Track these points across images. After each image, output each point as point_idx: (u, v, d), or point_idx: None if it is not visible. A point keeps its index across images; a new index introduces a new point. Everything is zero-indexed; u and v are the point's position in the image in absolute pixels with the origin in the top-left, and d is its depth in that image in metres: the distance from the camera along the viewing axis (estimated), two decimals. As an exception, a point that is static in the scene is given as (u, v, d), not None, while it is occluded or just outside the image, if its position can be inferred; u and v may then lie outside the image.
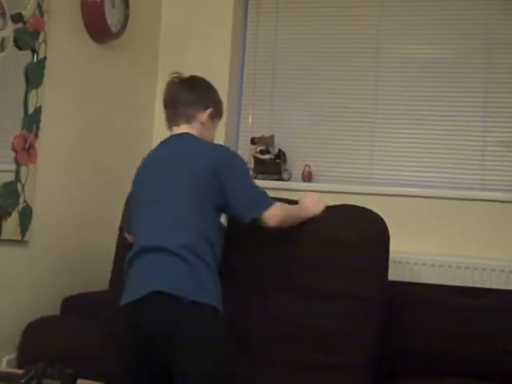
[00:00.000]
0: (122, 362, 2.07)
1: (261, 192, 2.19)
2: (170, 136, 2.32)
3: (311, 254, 2.30)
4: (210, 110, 2.30)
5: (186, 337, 1.90)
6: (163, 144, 2.32)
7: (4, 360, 2.44)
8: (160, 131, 3.49)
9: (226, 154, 2.21)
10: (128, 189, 2.52)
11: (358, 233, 2.30)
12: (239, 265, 2.34)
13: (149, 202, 2.14)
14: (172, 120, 2.32)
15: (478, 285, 2.89)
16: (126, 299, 2.02)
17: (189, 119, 2.28)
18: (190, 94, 2.31)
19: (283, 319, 2.28)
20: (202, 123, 2.29)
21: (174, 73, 2.40)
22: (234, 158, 2.24)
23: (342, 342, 2.22)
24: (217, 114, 2.36)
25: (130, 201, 2.36)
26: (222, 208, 2.14)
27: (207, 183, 2.10)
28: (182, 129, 2.29)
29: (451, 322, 2.31)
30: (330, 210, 2.36)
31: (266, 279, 2.34)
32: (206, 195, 2.10)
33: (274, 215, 2.13)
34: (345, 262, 2.28)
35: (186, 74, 3.43)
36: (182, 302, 1.91)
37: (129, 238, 2.34)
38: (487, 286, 2.87)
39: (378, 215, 2.37)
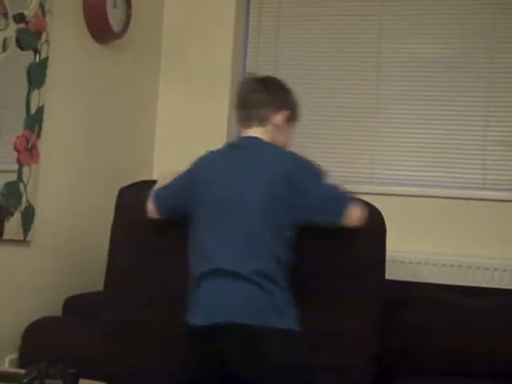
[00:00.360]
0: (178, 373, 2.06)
1: (341, 192, 2.10)
2: (241, 138, 2.21)
3: (304, 252, 2.22)
4: (285, 112, 2.19)
5: (273, 360, 1.89)
6: (233, 147, 2.20)
7: (6, 360, 2.45)
8: (162, 131, 3.52)
9: (299, 160, 2.11)
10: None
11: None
12: None
13: (218, 209, 2.04)
14: (243, 122, 2.20)
15: (479, 284, 2.90)
16: (197, 321, 1.96)
17: (262, 121, 2.15)
18: (263, 94, 2.18)
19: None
20: (275, 126, 2.17)
21: (249, 73, 2.33)
22: (307, 162, 2.13)
23: (340, 343, 2.21)
24: (293, 117, 2.24)
25: (182, 181, 2.24)
26: (299, 220, 2.03)
27: (282, 194, 2.00)
28: (254, 131, 2.16)
29: (452, 321, 2.31)
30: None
31: None
32: (280, 209, 2.00)
33: (355, 215, 2.06)
34: (340, 259, 2.24)
35: (187, 73, 3.48)
36: (266, 331, 1.89)
37: (153, 210, 2.28)
38: (489, 285, 2.88)
39: (375, 207, 2.30)
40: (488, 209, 3.06)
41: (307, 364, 1.95)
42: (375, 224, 2.24)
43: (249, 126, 2.17)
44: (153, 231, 2.36)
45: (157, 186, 2.34)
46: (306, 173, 2.08)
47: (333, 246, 2.23)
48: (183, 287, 2.25)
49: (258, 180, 2.02)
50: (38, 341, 2.41)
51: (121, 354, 2.30)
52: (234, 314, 1.90)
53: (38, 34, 2.48)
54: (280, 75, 3.46)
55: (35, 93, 2.49)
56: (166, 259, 2.33)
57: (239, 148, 2.15)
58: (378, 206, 2.39)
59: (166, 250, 2.34)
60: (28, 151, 2.47)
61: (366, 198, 2.82)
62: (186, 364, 2.03)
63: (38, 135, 2.53)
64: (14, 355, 2.46)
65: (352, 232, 2.14)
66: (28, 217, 2.49)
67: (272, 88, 2.22)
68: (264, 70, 3.52)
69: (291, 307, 1.98)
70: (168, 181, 2.31)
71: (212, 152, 2.22)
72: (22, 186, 2.45)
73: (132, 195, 2.47)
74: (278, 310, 1.93)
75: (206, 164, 2.19)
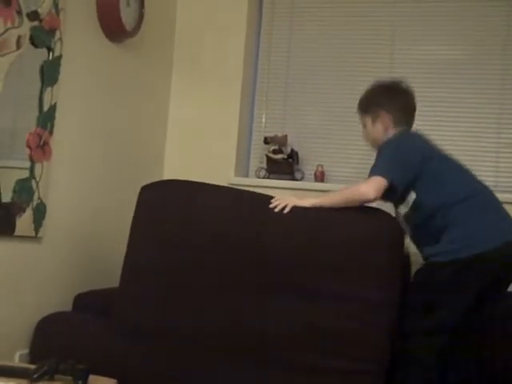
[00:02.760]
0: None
1: (383, 161, 2.35)
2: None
3: (318, 255, 2.28)
4: None
5: None
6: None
7: (16, 355, 2.46)
8: (174, 129, 3.53)
9: None
10: (143, 184, 2.53)
11: (369, 232, 2.29)
12: (245, 266, 2.33)
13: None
14: (407, 125, 2.54)
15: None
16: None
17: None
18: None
19: (291, 321, 2.26)
20: None
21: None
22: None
23: (352, 346, 2.21)
24: None
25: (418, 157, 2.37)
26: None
27: None
28: None
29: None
30: (340, 210, 2.35)
31: (272, 280, 2.31)
32: None
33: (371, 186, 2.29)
34: (354, 263, 2.25)
35: (199, 72, 3.49)
36: None
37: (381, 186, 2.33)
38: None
39: (390, 215, 2.36)
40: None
41: None
42: (389, 231, 2.31)
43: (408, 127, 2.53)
44: (175, 230, 2.39)
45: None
46: None
47: (345, 247, 2.27)
48: (203, 287, 2.30)
49: None
50: (49, 336, 2.42)
51: (132, 351, 2.31)
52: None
53: (51, 32, 2.50)
54: (292, 75, 3.51)
55: (48, 90, 2.51)
56: (187, 258, 2.35)
57: None
58: (388, 207, 2.40)
59: (188, 248, 2.36)
60: (40, 148, 2.49)
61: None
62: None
63: (51, 132, 2.54)
64: (24, 350, 2.47)
65: (366, 237, 2.25)
66: (39, 213, 2.50)
67: None
68: (276, 70, 3.54)
69: None
70: None
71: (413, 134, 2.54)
72: (34, 183, 2.46)
73: (154, 193, 2.48)
74: None
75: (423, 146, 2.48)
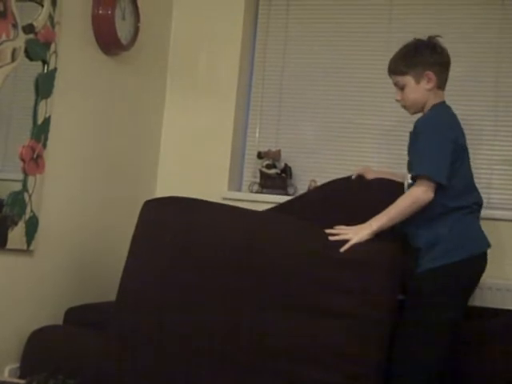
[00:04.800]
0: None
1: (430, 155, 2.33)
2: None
3: (315, 272, 2.29)
4: None
5: None
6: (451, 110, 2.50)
7: (6, 370, 2.44)
8: (168, 142, 3.53)
9: None
10: (136, 199, 2.53)
11: (370, 252, 2.30)
12: (244, 282, 2.34)
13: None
14: (443, 84, 2.49)
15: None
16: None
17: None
18: None
19: (290, 336, 2.26)
20: None
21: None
22: None
23: (347, 363, 2.21)
24: None
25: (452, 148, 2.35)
26: None
27: None
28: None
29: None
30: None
31: (272, 296, 2.32)
32: None
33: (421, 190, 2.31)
34: (355, 280, 2.27)
35: (193, 86, 3.50)
36: None
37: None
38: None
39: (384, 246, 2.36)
40: (491, 228, 3.04)
41: None
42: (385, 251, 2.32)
43: (443, 89, 2.50)
44: (175, 244, 2.42)
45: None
46: None
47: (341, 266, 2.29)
48: (202, 302, 2.31)
49: None
50: (40, 350, 2.40)
51: (125, 366, 2.30)
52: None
53: (46, 44, 2.50)
54: (286, 90, 3.52)
55: (42, 103, 2.51)
56: (187, 273, 2.37)
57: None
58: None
59: (188, 263, 2.38)
60: (33, 161, 2.48)
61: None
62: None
63: (44, 145, 2.53)
64: (14, 365, 2.45)
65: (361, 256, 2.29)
66: (32, 226, 2.49)
67: None
68: (270, 85, 3.54)
69: None
70: None
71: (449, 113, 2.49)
72: (26, 196, 2.45)
73: (156, 208, 2.51)
74: None
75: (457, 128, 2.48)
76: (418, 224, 2.36)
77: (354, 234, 2.30)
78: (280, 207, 2.86)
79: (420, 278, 2.32)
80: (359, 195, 2.68)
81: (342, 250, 2.28)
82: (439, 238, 2.32)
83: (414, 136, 2.44)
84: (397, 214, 2.33)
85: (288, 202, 2.92)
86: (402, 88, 2.49)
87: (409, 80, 2.46)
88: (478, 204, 2.45)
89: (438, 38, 2.51)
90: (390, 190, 2.56)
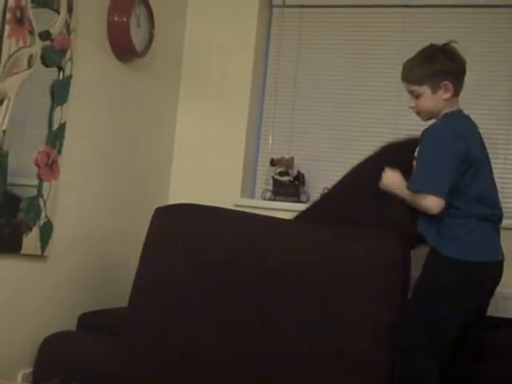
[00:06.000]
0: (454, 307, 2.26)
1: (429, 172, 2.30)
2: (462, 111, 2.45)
3: (330, 274, 2.32)
4: None
5: None
6: (468, 119, 2.47)
7: (19, 375, 2.45)
8: (180, 149, 3.53)
9: None
10: (149, 205, 2.54)
11: (381, 254, 2.32)
12: (255, 286, 2.35)
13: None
14: (459, 91, 2.43)
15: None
16: (492, 256, 2.32)
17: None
18: None
19: (302, 338, 2.28)
20: None
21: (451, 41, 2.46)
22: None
23: (351, 365, 2.22)
24: None
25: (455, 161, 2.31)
26: None
27: None
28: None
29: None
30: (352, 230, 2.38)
31: (284, 300, 2.34)
32: None
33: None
34: (366, 283, 2.28)
35: (207, 94, 3.51)
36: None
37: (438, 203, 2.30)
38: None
39: (396, 240, 2.36)
40: (507, 238, 3.02)
41: None
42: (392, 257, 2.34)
43: (458, 96, 2.44)
44: (186, 250, 2.44)
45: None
46: None
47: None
48: (211, 307, 2.33)
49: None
50: (53, 355, 2.42)
51: (138, 371, 2.31)
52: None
53: (62, 51, 2.52)
54: (299, 97, 3.52)
55: (58, 109, 2.52)
56: (197, 278, 2.39)
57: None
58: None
59: (199, 269, 2.40)
60: (48, 167, 2.49)
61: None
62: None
63: (59, 151, 2.55)
64: (27, 370, 2.46)
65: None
66: (46, 232, 2.50)
67: None
68: (283, 92, 3.55)
69: None
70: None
71: (460, 121, 2.43)
72: (41, 202, 2.47)
73: (168, 215, 2.53)
74: None
75: (469, 138, 2.41)
76: (432, 222, 2.33)
77: (394, 186, 2.39)
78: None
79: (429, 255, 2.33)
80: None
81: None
82: (453, 235, 2.30)
83: (420, 145, 2.40)
84: (413, 198, 2.34)
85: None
86: (417, 97, 2.43)
87: (425, 90, 2.39)
88: (498, 216, 2.42)
89: (453, 44, 2.44)
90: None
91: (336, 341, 2.24)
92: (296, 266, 2.33)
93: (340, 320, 2.26)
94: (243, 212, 2.63)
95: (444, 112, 2.41)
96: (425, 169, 2.33)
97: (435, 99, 2.40)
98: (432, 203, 2.27)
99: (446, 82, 2.37)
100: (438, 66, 2.38)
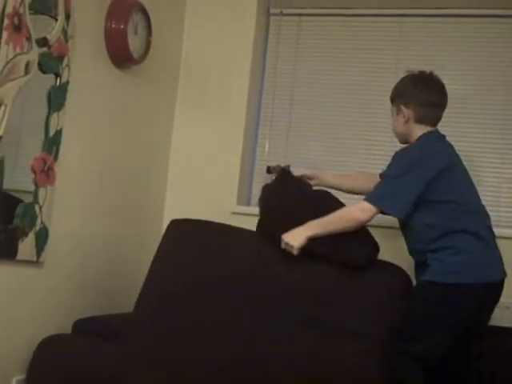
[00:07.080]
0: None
1: (384, 187, 2.32)
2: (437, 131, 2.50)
3: (329, 293, 2.40)
4: None
5: None
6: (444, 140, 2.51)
7: (13, 381, 2.45)
8: (177, 156, 3.54)
9: None
10: (145, 211, 2.54)
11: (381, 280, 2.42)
12: (259, 301, 2.42)
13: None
14: (435, 121, 2.48)
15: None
16: (495, 276, 2.34)
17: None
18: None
19: (302, 356, 2.29)
20: None
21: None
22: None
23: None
24: None
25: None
26: None
27: None
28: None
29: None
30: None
31: (284, 315, 2.40)
32: None
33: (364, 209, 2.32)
34: (367, 302, 2.35)
35: (204, 101, 3.51)
36: None
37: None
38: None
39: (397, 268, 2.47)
40: (502, 247, 3.03)
41: None
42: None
43: (435, 126, 2.48)
44: (195, 263, 2.54)
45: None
46: None
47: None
48: (214, 320, 2.40)
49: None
50: (48, 359, 2.41)
51: (134, 376, 2.31)
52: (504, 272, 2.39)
53: (59, 58, 2.52)
54: (296, 105, 3.53)
55: (54, 116, 2.53)
56: (205, 292, 2.48)
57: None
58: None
59: (207, 284, 2.49)
60: (45, 173, 2.50)
61: (377, 230, 2.84)
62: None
63: (56, 158, 2.55)
64: (22, 376, 2.45)
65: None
66: (42, 238, 2.50)
67: None
68: (280, 99, 3.56)
69: None
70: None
71: (439, 143, 2.50)
72: (37, 208, 2.47)
73: (183, 229, 2.63)
74: None
75: (448, 153, 2.50)
76: (424, 243, 2.36)
77: (293, 241, 2.37)
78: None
79: (421, 286, 2.35)
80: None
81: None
82: (445, 258, 2.31)
83: (388, 166, 2.44)
84: (330, 222, 2.36)
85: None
86: (391, 116, 2.56)
87: (392, 110, 2.53)
88: (486, 226, 2.42)
89: (432, 74, 2.49)
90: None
91: (336, 355, 2.26)
92: (299, 280, 2.43)
93: (340, 335, 2.30)
94: (254, 232, 2.69)
95: (416, 136, 2.47)
96: (383, 185, 2.37)
97: (396, 122, 2.52)
98: (359, 208, 2.33)
99: (403, 108, 2.44)
100: (402, 90, 2.48)
